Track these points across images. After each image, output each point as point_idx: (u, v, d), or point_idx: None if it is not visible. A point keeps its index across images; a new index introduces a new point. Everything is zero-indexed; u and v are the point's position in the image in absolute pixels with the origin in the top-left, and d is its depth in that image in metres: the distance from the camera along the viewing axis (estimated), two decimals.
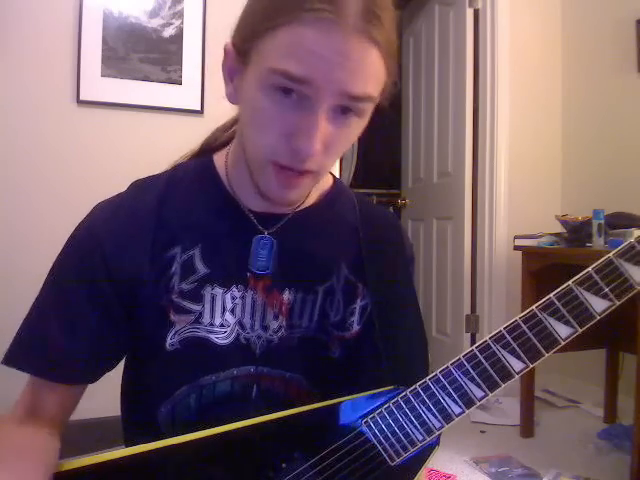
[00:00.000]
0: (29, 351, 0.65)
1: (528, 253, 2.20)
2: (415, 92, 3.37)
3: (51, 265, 0.67)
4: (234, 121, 0.75)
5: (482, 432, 2.24)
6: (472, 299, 2.83)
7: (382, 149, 3.94)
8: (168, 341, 0.64)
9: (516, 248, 2.26)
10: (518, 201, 2.73)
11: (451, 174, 2.94)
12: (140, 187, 0.70)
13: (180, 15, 2.25)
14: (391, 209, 3.48)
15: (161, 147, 2.14)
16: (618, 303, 0.56)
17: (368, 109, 0.58)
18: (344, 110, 0.56)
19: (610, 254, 0.57)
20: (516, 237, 2.28)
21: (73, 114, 2.14)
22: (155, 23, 2.22)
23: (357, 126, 0.59)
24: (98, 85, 2.15)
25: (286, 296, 0.68)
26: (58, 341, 0.63)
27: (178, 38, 2.24)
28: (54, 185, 2.12)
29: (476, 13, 2.78)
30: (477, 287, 2.81)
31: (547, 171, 2.82)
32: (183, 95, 2.25)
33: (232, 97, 0.63)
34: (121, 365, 0.71)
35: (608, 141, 2.53)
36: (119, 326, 0.65)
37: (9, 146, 2.07)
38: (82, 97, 2.13)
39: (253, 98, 0.57)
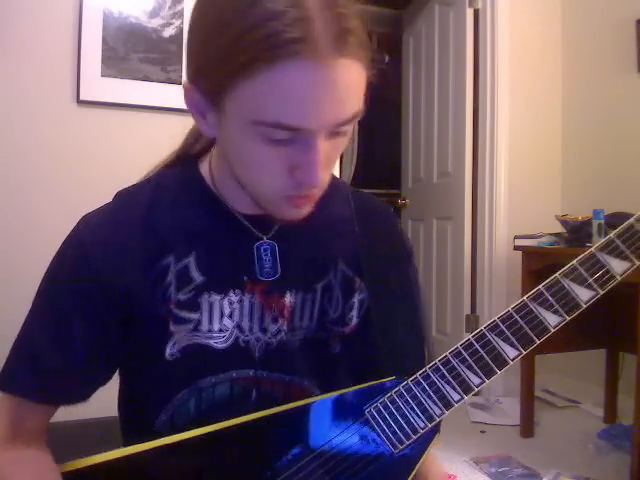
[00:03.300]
0: (21, 375, 0.62)
1: (528, 253, 2.20)
2: (415, 92, 3.37)
3: (39, 283, 0.65)
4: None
5: (482, 432, 2.24)
6: (472, 299, 2.83)
7: (382, 149, 3.94)
8: (167, 351, 0.64)
9: (516, 248, 2.26)
10: (518, 201, 2.73)
11: (451, 174, 2.94)
12: (126, 196, 0.68)
13: (180, 15, 2.25)
14: (391, 209, 3.48)
15: (161, 147, 2.14)
16: (602, 292, 0.60)
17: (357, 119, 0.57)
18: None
19: (592, 248, 0.61)
20: (516, 237, 2.28)
21: (73, 114, 2.14)
22: (155, 23, 2.22)
23: (347, 135, 0.58)
24: (98, 85, 2.15)
25: (288, 299, 0.67)
26: (52, 362, 0.62)
27: (178, 38, 2.24)
28: (54, 185, 2.12)
29: (476, 13, 2.78)
30: (477, 287, 2.81)
31: (547, 171, 2.82)
32: (203, 129, 2.24)
33: (210, 132, 0.60)
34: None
35: (608, 141, 2.53)
36: (114, 341, 0.64)
37: (9, 146, 2.07)
38: (82, 97, 2.13)
39: (241, 145, 0.55)
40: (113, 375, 0.68)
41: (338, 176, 0.80)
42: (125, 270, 0.62)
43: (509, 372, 2.58)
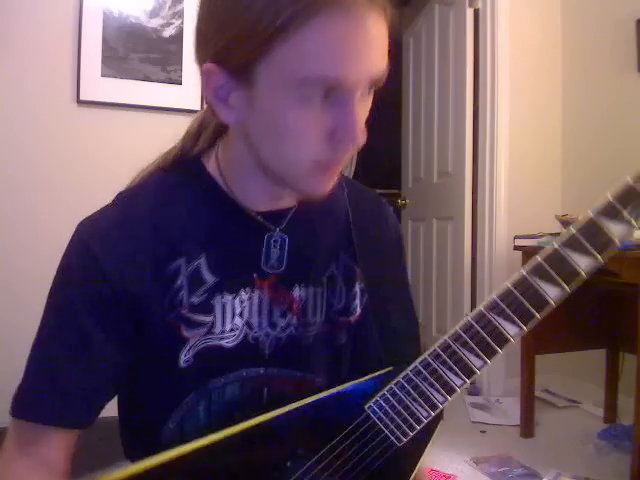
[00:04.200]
0: (44, 398, 0.58)
1: (528, 253, 2.20)
2: (415, 92, 3.37)
3: (47, 295, 0.61)
4: (200, 125, 0.71)
5: (482, 432, 2.24)
6: (472, 299, 2.83)
7: (382, 149, 3.93)
8: (182, 358, 0.61)
9: (516, 248, 2.26)
10: (518, 201, 2.73)
11: (451, 174, 2.94)
12: (128, 197, 0.66)
13: (180, 15, 2.25)
14: (391, 209, 3.48)
15: (161, 147, 2.14)
16: (602, 261, 0.57)
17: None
18: (368, 89, 0.56)
19: (590, 213, 0.58)
20: (516, 237, 2.28)
21: (73, 114, 2.14)
22: (155, 23, 2.22)
23: (371, 97, 0.59)
24: (98, 85, 2.15)
25: (296, 293, 0.67)
26: (76, 379, 0.58)
27: (178, 38, 2.24)
28: (54, 185, 2.12)
29: (476, 13, 2.78)
30: (477, 287, 2.80)
31: (547, 171, 2.82)
32: (183, 95, 2.25)
33: (232, 117, 0.58)
34: None
35: (608, 141, 2.53)
36: (131, 350, 0.61)
37: (10, 146, 2.07)
38: (82, 97, 2.13)
39: (277, 115, 0.54)
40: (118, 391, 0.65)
41: None
42: (135, 273, 0.60)
43: (509, 372, 2.59)
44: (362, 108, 0.56)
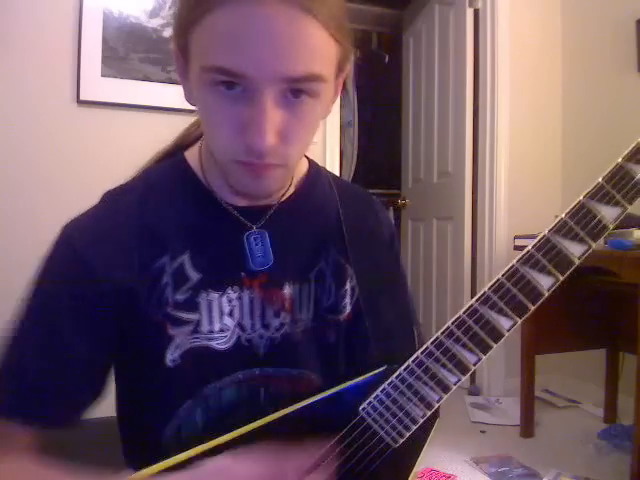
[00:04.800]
0: (4, 394, 0.57)
1: None
2: (415, 92, 3.37)
3: (26, 296, 0.60)
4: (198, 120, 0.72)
5: (482, 432, 2.24)
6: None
7: (382, 149, 3.93)
8: (168, 357, 0.60)
9: (516, 248, 2.26)
10: (518, 201, 2.73)
11: (451, 174, 2.93)
12: (115, 196, 0.65)
13: None
14: (391, 209, 3.49)
15: (161, 147, 2.14)
16: (594, 245, 0.56)
17: (321, 89, 0.54)
18: (295, 92, 0.52)
19: (581, 197, 0.57)
20: (516, 237, 2.28)
21: (73, 114, 2.14)
22: (155, 23, 2.22)
23: (313, 108, 0.55)
24: (98, 85, 2.15)
25: (287, 291, 0.65)
26: (41, 376, 0.57)
27: None
28: (54, 185, 2.12)
29: (476, 13, 2.78)
30: (477, 287, 2.80)
31: (547, 171, 2.82)
32: (183, 95, 2.24)
33: (188, 98, 0.60)
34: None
35: (608, 141, 2.53)
36: (109, 350, 0.61)
37: (9, 146, 2.07)
38: (82, 97, 2.13)
39: (199, 97, 0.55)
40: (102, 394, 0.63)
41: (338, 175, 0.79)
42: (121, 270, 0.59)
43: (509, 372, 2.58)
44: (291, 112, 0.53)
